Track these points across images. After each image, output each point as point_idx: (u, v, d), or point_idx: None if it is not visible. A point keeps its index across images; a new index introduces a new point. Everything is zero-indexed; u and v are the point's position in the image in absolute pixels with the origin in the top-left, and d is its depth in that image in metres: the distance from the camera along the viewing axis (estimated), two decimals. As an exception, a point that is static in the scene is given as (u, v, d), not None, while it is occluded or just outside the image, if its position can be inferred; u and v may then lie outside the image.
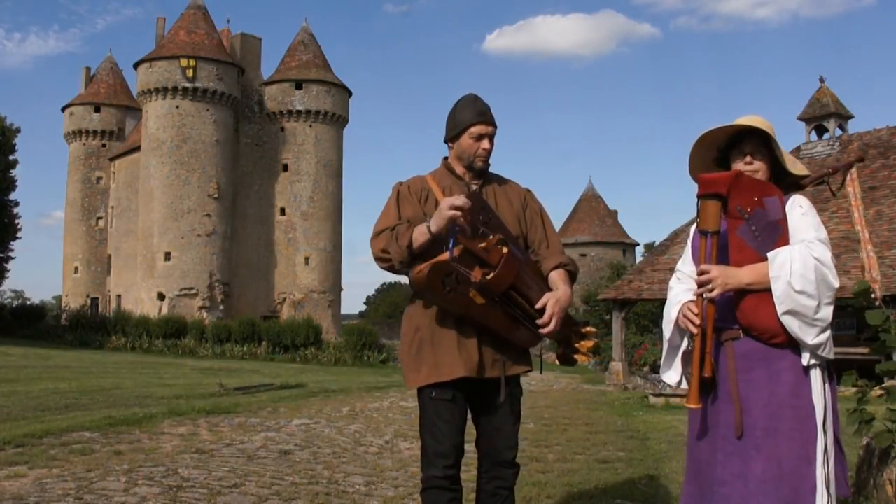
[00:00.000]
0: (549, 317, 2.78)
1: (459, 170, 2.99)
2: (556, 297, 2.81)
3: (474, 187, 2.97)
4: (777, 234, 2.47)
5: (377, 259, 2.89)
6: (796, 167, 2.65)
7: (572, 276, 2.97)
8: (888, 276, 13.80)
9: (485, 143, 2.94)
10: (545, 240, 3.03)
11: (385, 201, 3.01)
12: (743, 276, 2.44)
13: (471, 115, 2.93)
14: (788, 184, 2.66)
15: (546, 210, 3.13)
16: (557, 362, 3.20)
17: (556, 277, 2.92)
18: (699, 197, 2.53)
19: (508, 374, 2.90)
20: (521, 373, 2.96)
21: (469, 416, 2.98)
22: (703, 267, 2.47)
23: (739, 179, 2.50)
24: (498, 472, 2.97)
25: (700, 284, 2.47)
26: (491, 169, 3.05)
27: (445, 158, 3.06)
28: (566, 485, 5.08)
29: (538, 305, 2.79)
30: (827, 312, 2.38)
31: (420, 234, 2.76)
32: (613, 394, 14.98)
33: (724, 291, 2.44)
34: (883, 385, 4.24)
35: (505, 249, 2.68)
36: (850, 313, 16.72)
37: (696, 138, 2.68)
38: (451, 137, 2.99)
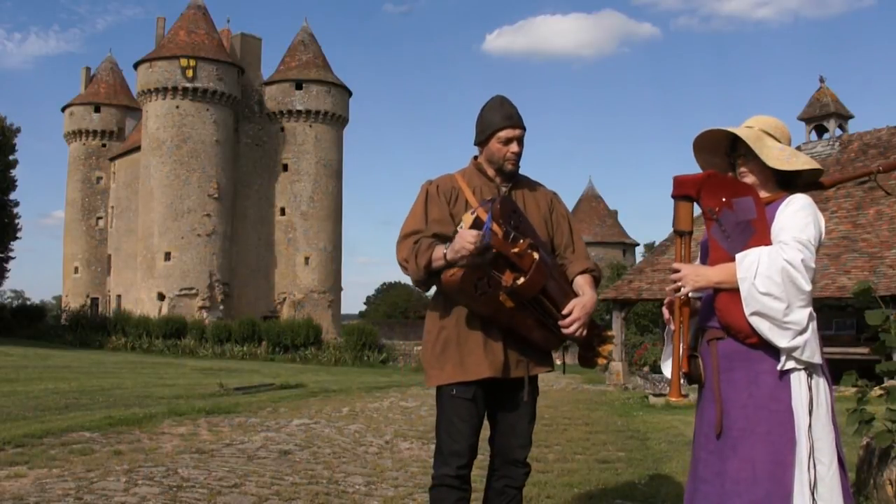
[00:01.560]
0: (572, 320, 2.83)
1: (490, 172, 3.00)
2: (581, 303, 2.86)
3: (504, 190, 2.98)
4: (749, 234, 2.45)
5: (400, 265, 2.92)
6: (796, 162, 2.54)
7: (596, 282, 3.02)
8: (888, 276, 13.79)
9: (513, 147, 2.94)
10: (571, 244, 3.07)
11: (413, 201, 3.02)
12: (712, 274, 2.45)
13: (499, 119, 2.93)
14: (805, 183, 2.61)
15: (571, 214, 3.16)
16: (578, 363, 3.22)
17: (583, 282, 2.96)
18: (672, 197, 2.57)
19: (531, 375, 2.93)
20: (542, 373, 3.00)
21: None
22: (675, 265, 2.52)
23: (710, 180, 2.51)
24: (508, 471, 2.99)
25: (673, 282, 2.52)
26: None
27: (475, 158, 3.07)
28: (566, 485, 5.08)
29: (565, 311, 2.83)
30: (800, 316, 2.33)
31: (438, 258, 2.77)
32: (613, 394, 14.97)
33: (693, 289, 2.48)
34: (883, 385, 4.23)
35: (536, 255, 2.71)
36: (850, 313, 16.73)
37: (692, 146, 2.70)
38: (480, 142, 3.00)
